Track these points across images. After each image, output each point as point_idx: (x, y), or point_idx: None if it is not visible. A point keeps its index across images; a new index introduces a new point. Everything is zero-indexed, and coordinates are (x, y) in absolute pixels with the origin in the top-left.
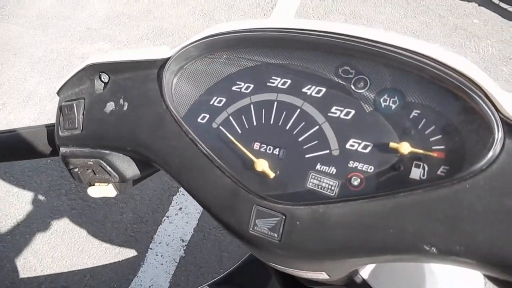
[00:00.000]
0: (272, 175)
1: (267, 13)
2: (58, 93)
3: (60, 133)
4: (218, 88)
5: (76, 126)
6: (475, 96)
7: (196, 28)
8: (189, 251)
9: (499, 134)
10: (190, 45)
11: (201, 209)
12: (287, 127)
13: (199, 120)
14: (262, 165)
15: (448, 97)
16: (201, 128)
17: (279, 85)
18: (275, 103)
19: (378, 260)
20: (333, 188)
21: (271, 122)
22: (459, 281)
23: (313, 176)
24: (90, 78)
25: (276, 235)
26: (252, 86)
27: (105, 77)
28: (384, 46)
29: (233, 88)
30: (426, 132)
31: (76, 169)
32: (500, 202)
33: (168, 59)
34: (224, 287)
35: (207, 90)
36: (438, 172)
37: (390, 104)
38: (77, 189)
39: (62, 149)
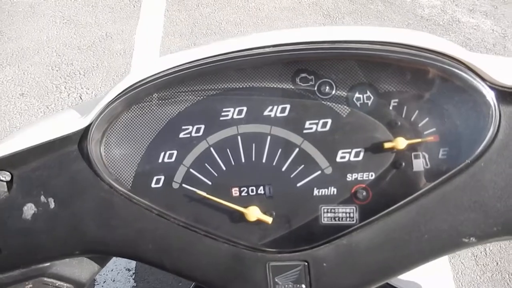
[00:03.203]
0: (270, 219)
1: (137, 4)
2: None
3: None
4: (162, 140)
5: None
6: (455, 70)
7: (63, 38)
8: (139, 278)
9: (493, 102)
10: (114, 102)
11: None
12: (264, 160)
13: (153, 185)
14: (254, 213)
15: (425, 78)
16: (160, 194)
17: (235, 116)
18: (239, 137)
19: (416, 267)
20: (351, 214)
21: (243, 160)
22: None
23: (326, 210)
24: None
25: (304, 286)
26: (203, 126)
27: (5, 175)
28: (341, 45)
29: (181, 135)
30: (413, 119)
31: None
32: None
33: (88, 127)
34: None
35: (149, 147)
36: (440, 156)
37: (365, 101)
38: None
39: None
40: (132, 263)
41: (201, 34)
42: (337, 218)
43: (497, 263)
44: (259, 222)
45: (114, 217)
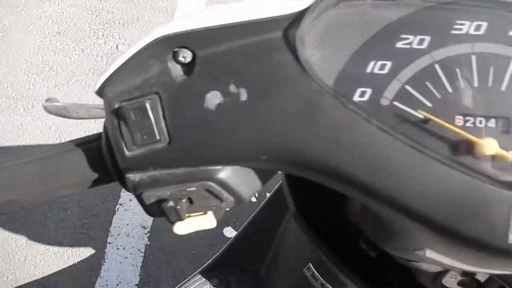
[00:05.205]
0: (510, 157)
1: None
2: (102, 90)
3: (126, 151)
4: (373, 47)
5: (158, 137)
6: None
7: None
8: (154, 238)
9: None
10: None
11: None
12: (503, 88)
13: (355, 98)
14: (492, 146)
15: None
16: (362, 109)
17: (471, 32)
18: (473, 57)
19: None
20: None
21: (475, 84)
22: None
23: None
24: (160, 59)
25: None
26: (428, 38)
27: (186, 55)
28: None
29: (399, 44)
30: None
31: (172, 203)
32: None
33: (301, 13)
34: (217, 273)
35: (357, 52)
36: None
37: None
38: None
39: (132, 176)
40: (149, 221)
41: None
42: None
43: None
44: (493, 158)
45: (323, 122)
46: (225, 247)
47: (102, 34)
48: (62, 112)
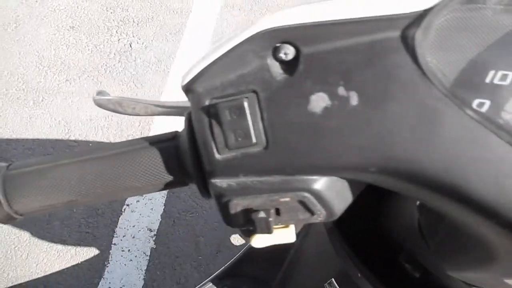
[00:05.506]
0: None
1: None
2: (191, 85)
3: (216, 154)
4: (493, 55)
5: (254, 140)
6: None
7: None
8: (160, 241)
9: None
10: None
11: (166, 192)
12: None
13: (474, 107)
14: None
15: None
16: (488, 120)
17: None
18: None
19: None
20: None
21: None
22: None
23: None
24: (260, 55)
25: None
26: None
27: (288, 51)
28: None
29: None
30: None
31: (263, 214)
32: None
33: (423, 13)
34: (229, 281)
35: (474, 60)
36: None
37: None
38: None
39: (219, 182)
40: (155, 224)
41: (263, 10)
42: None
43: None
44: None
45: (445, 133)
46: (237, 256)
47: (116, 32)
48: (115, 107)
